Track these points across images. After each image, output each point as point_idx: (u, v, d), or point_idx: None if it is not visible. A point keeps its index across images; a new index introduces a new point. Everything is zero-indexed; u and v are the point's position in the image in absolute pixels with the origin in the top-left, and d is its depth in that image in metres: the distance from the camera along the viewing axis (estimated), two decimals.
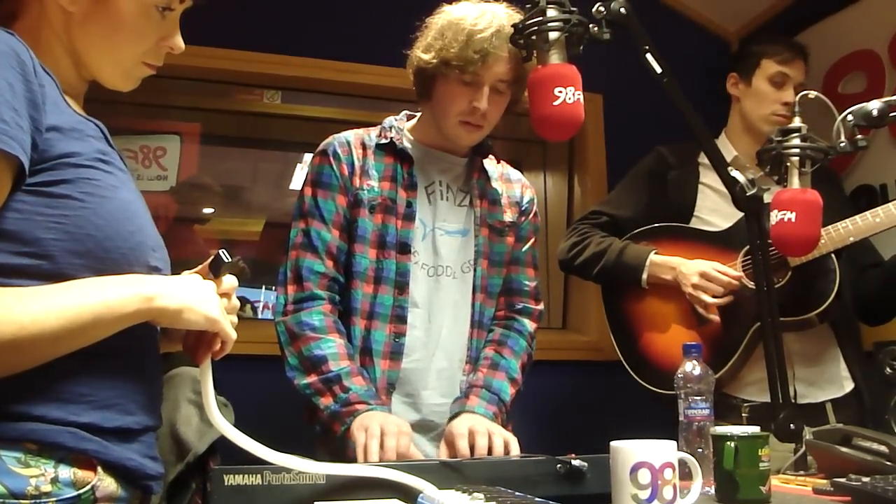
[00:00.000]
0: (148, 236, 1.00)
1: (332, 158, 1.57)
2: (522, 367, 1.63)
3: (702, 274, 1.85)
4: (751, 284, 1.80)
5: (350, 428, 1.39)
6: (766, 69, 2.05)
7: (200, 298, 0.96)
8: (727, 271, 1.85)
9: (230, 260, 1.01)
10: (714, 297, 1.84)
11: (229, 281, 1.03)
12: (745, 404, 1.70)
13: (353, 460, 1.34)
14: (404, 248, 1.56)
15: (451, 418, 1.51)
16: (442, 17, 1.55)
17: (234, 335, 1.01)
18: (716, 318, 1.85)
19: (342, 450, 1.41)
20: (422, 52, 1.54)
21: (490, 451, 1.40)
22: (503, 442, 1.41)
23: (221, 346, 1.01)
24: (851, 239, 1.73)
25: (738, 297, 1.83)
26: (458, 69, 1.48)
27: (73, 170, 0.92)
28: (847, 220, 1.75)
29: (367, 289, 1.55)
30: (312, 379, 1.45)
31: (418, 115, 1.68)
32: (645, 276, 1.95)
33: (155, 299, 0.92)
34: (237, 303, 1.06)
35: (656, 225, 2.04)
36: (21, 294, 0.85)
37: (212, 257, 1.02)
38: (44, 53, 0.97)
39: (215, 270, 1.01)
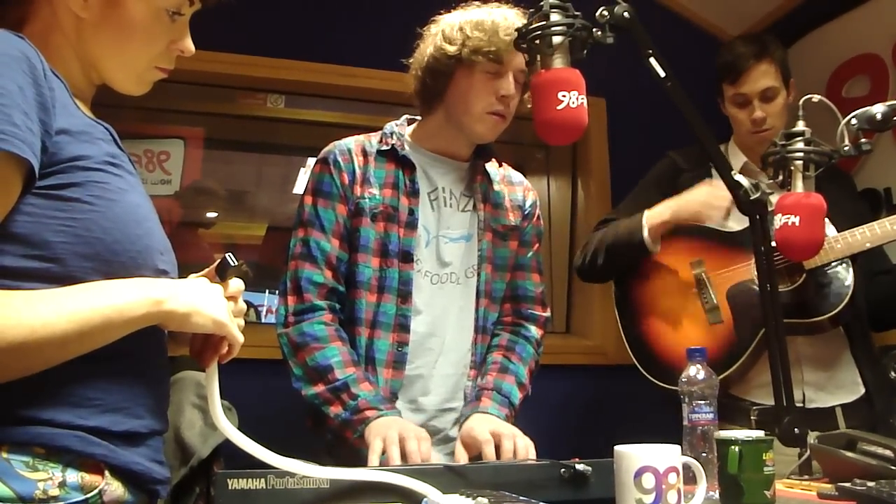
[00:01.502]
0: (155, 239, 1.00)
1: (332, 167, 1.57)
2: (530, 373, 1.63)
3: (704, 203, 1.82)
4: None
5: (364, 434, 1.39)
6: (726, 94, 1.99)
7: (208, 302, 0.96)
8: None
9: (236, 263, 1.01)
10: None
11: (236, 284, 1.03)
12: (754, 407, 1.69)
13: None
14: (406, 257, 1.55)
15: (465, 419, 1.50)
16: (449, 20, 1.56)
17: (241, 339, 1.01)
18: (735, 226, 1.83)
19: (355, 456, 1.41)
20: (445, 46, 1.53)
21: (515, 455, 1.39)
22: (525, 446, 1.40)
23: (228, 350, 1.01)
24: (868, 245, 1.72)
25: (750, 297, 1.81)
26: (490, 55, 1.50)
27: (82, 173, 0.92)
28: (865, 227, 1.73)
29: (370, 298, 1.54)
30: (320, 388, 1.45)
31: (419, 118, 1.68)
32: (646, 233, 1.89)
33: (164, 303, 0.92)
34: (244, 306, 1.06)
35: None
36: (30, 297, 0.85)
37: (218, 261, 1.02)
38: (53, 57, 0.97)
39: (222, 274, 1.01)
